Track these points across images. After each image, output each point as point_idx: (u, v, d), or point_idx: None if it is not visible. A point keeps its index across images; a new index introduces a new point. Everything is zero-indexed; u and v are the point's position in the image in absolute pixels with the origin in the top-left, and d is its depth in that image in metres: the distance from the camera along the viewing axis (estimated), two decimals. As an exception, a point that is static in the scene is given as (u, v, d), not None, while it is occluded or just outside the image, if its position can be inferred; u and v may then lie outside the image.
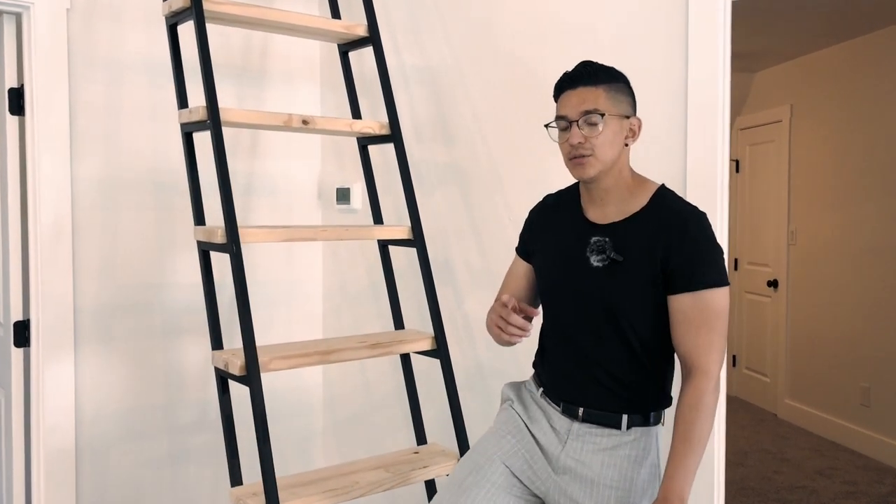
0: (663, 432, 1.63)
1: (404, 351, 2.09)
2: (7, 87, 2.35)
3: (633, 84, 2.20)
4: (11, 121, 2.36)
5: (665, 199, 1.51)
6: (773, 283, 5.24)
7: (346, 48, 2.48)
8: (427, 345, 2.13)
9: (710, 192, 2.12)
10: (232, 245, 1.86)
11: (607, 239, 1.50)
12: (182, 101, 2.12)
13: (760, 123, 5.45)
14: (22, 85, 2.34)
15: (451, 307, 2.56)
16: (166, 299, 2.58)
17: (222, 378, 1.94)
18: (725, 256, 1.54)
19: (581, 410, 1.52)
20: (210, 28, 2.57)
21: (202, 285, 2.00)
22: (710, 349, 1.40)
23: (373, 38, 2.35)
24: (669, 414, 1.78)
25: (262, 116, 2.08)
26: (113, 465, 2.50)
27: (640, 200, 1.51)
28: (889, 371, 4.26)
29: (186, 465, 2.65)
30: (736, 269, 5.74)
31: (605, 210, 1.54)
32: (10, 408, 2.41)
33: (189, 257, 2.62)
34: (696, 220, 1.45)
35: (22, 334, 2.37)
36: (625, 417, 1.49)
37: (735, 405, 5.51)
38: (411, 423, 2.27)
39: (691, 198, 2.14)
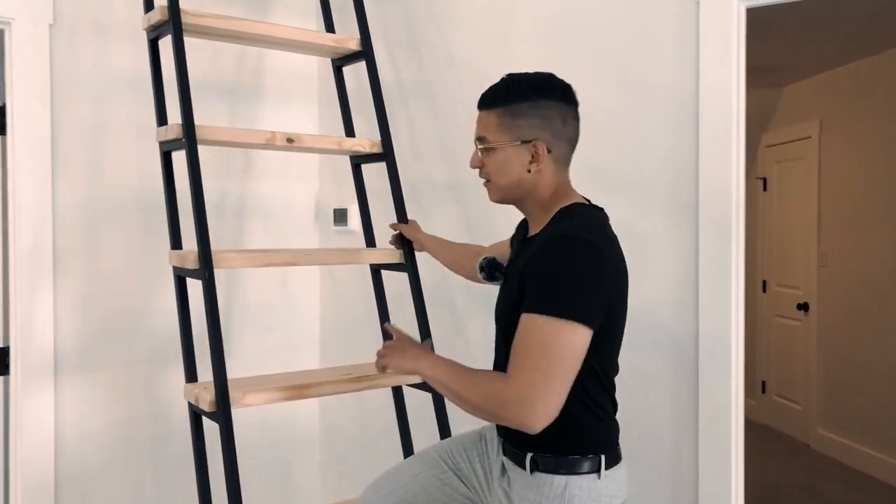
0: (593, 488, 1.39)
1: (392, 384, 1.96)
2: (-10, 105, 2.28)
3: (639, 96, 2.06)
4: (-6, 140, 2.28)
5: (556, 221, 1.42)
6: (804, 307, 5.01)
7: (339, 63, 2.37)
8: (417, 377, 1.98)
9: (724, 212, 1.96)
10: (204, 271, 1.74)
11: (492, 258, 1.56)
12: (161, 119, 2.02)
13: (788, 140, 5.24)
14: (4, 103, 2.26)
15: (450, 334, 2.41)
16: (152, 326, 2.47)
17: (195, 413, 1.82)
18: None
19: (503, 443, 1.49)
20: (200, 43, 2.47)
21: (177, 313, 1.88)
22: (518, 372, 1.26)
23: (365, 51, 2.24)
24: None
25: (243, 134, 1.97)
26: (94, 499, 2.38)
27: (546, 219, 1.45)
28: (929, 401, 4.00)
29: (173, 501, 2.52)
30: (764, 291, 5.51)
31: (533, 226, 1.51)
32: (-10, 439, 2.32)
33: (178, 282, 2.51)
34: (553, 243, 1.32)
35: (2, 362, 2.27)
36: (528, 458, 1.40)
37: (764, 434, 5.26)
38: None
39: (704, 218, 1.98)
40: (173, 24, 1.88)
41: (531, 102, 1.43)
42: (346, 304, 2.79)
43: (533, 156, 1.42)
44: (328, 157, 2.82)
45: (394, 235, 2.16)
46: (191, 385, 1.80)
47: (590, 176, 2.11)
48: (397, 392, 2.12)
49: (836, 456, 4.73)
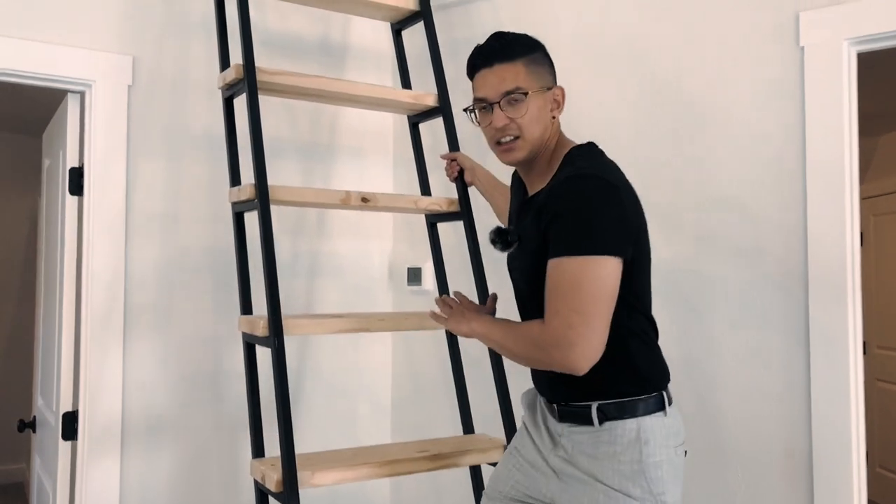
0: (663, 427, 1.36)
1: (470, 463, 1.80)
2: (69, 166, 2.28)
3: (741, 147, 1.91)
4: (71, 201, 2.28)
5: (564, 166, 1.40)
6: (910, 371, 4.62)
7: (416, 119, 2.29)
8: (497, 455, 1.82)
9: (838, 272, 1.77)
10: (274, 339, 1.64)
11: (498, 227, 1.49)
12: (235, 179, 1.97)
13: (888, 192, 4.92)
14: (83, 164, 2.26)
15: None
16: (222, 391, 2.39)
17: (261, 492, 1.70)
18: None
19: (556, 408, 1.42)
20: (275, 101, 2.44)
21: (245, 382, 1.78)
22: (553, 315, 1.26)
23: (442, 107, 2.16)
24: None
25: (317, 194, 1.90)
26: (159, 572, 2.28)
27: (553, 170, 1.43)
28: None
29: (238, 575, 2.40)
30: (865, 353, 5.12)
31: (533, 184, 1.48)
32: (56, 505, 2.26)
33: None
34: (566, 185, 1.32)
35: (70, 426, 2.22)
36: (594, 409, 1.35)
37: (869, 510, 4.82)
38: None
39: (814, 279, 1.79)
40: (248, 82, 1.84)
41: (541, 52, 1.45)
42: (420, 368, 2.66)
43: (553, 102, 1.43)
44: (403, 214, 2.74)
45: (449, 165, 2.08)
46: (257, 461, 1.70)
47: (691, 230, 1.96)
48: (475, 469, 1.96)
49: (953, 538, 4.28)
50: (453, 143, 2.13)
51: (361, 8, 2.25)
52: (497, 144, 1.45)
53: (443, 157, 2.11)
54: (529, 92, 1.39)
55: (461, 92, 2.51)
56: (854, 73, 1.84)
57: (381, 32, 2.72)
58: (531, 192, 1.48)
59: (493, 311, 1.58)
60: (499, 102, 1.40)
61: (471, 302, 1.60)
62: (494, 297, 1.62)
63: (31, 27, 2.11)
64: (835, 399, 1.75)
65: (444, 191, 2.40)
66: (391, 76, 2.75)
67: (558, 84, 1.48)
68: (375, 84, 2.43)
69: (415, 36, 2.43)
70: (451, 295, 1.63)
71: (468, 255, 2.08)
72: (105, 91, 2.22)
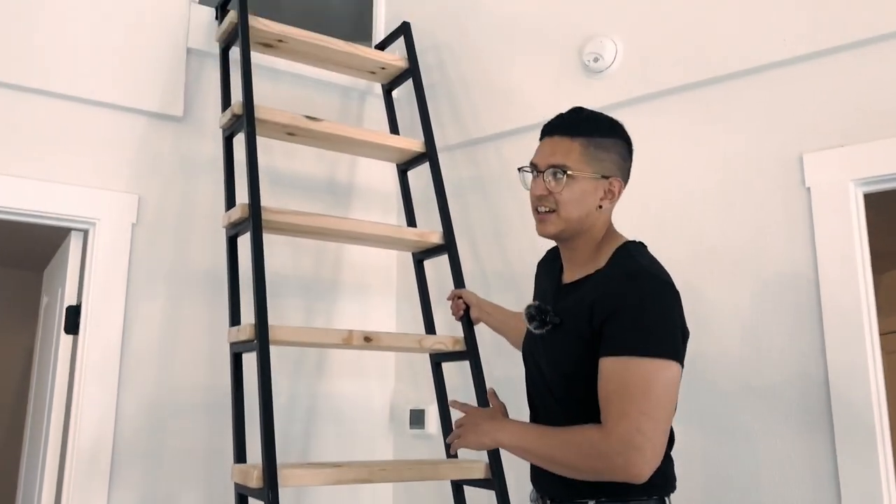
0: None
1: None
2: (66, 304, 2.23)
3: (753, 290, 1.87)
4: (66, 340, 2.21)
5: (620, 258, 1.38)
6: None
7: (421, 257, 2.28)
8: None
9: (864, 417, 1.69)
10: (268, 492, 1.53)
11: (538, 304, 1.44)
12: (235, 319, 1.92)
13: (892, 330, 4.86)
14: (80, 303, 2.21)
15: (543, 561, 2.08)
16: (212, 545, 2.22)
17: None
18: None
19: None
20: (279, 238, 2.43)
21: (235, 538, 1.65)
22: (620, 418, 1.21)
23: (448, 245, 2.14)
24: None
25: (319, 334, 1.85)
26: None
27: (602, 260, 1.40)
28: None
29: None
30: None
31: (573, 269, 1.46)
32: None
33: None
34: (635, 282, 1.30)
35: (43, 585, 2.05)
36: None
37: None
38: None
39: (840, 430, 1.71)
40: (253, 221, 1.83)
41: (613, 140, 1.43)
42: (423, 520, 2.50)
43: (606, 192, 1.41)
44: (406, 353, 2.66)
45: (454, 304, 2.04)
46: None
47: (705, 374, 1.88)
48: None
49: None
50: (458, 280, 2.10)
51: (369, 150, 2.28)
52: (535, 212, 1.46)
53: (449, 297, 2.07)
54: (571, 172, 1.39)
55: (466, 230, 2.52)
56: (862, 213, 1.85)
57: (386, 172, 2.76)
58: (569, 278, 1.46)
59: (505, 411, 1.50)
60: (543, 172, 1.42)
61: (477, 409, 1.54)
62: (493, 392, 1.56)
63: (38, 167, 2.12)
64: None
65: (449, 329, 2.35)
66: (396, 214, 2.76)
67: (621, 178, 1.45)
68: (381, 222, 2.43)
69: (420, 174, 2.46)
70: (453, 405, 1.60)
71: (475, 396, 2.00)
72: (109, 229, 2.20)
